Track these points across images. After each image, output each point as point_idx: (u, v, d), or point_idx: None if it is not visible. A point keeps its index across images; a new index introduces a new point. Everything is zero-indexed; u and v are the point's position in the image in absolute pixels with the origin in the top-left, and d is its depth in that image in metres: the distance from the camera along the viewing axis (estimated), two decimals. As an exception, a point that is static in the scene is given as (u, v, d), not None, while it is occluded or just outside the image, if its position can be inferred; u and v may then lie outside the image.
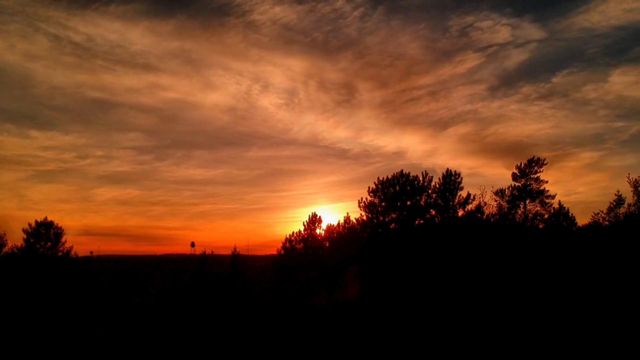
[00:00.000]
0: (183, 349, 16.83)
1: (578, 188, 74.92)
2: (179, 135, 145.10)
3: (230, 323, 20.43)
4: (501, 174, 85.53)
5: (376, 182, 27.59)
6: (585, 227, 26.91)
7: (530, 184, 27.02)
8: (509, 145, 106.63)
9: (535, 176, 27.01)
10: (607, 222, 25.62)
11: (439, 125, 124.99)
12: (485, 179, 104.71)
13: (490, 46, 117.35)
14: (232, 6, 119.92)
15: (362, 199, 27.76)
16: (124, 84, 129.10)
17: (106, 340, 18.04)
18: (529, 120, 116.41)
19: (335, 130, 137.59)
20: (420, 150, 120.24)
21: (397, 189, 26.98)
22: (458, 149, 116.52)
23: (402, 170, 27.38)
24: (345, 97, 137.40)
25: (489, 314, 16.36)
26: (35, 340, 17.62)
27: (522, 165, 27.36)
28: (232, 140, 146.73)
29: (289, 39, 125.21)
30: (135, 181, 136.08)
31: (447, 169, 27.02)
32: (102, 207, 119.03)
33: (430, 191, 27.00)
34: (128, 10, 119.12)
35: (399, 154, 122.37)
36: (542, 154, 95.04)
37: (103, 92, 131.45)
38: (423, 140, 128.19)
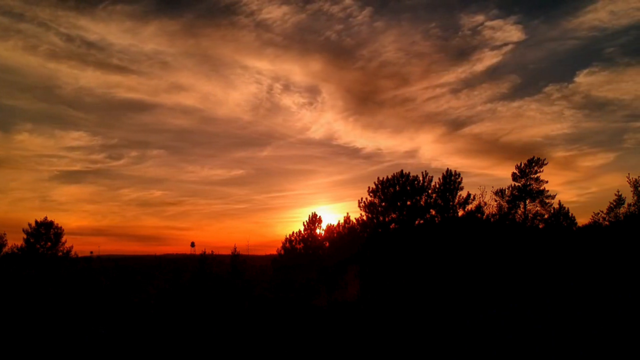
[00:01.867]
0: (183, 349, 16.83)
1: (556, 188, 74.74)
2: (201, 136, 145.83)
3: (230, 323, 20.42)
4: (484, 174, 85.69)
5: (376, 182, 27.60)
6: (585, 227, 26.92)
7: (530, 184, 27.02)
8: (523, 146, 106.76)
9: (535, 176, 27.02)
10: (607, 222, 25.62)
11: (455, 124, 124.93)
12: (469, 178, 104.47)
13: (466, 49, 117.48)
14: (219, 7, 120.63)
15: (362, 199, 27.79)
16: (148, 84, 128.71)
17: (106, 340, 18.04)
18: (501, 121, 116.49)
19: (352, 129, 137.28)
20: (433, 150, 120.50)
21: (397, 189, 26.98)
22: (471, 148, 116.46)
23: (402, 170, 27.41)
24: (366, 95, 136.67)
25: (489, 314, 16.36)
26: (36, 341, 17.62)
27: (522, 165, 27.38)
28: (244, 140, 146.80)
29: (302, 37, 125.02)
30: (160, 182, 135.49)
31: (447, 168, 27.07)
32: (124, 207, 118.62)
33: (430, 191, 27.01)
34: (114, 11, 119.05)
35: (410, 153, 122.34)
36: (558, 154, 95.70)
37: (132, 92, 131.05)
38: (436, 139, 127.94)
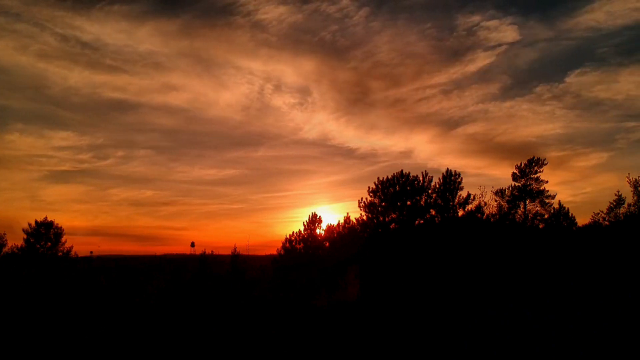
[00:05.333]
0: (183, 348, 16.82)
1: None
2: (190, 135, 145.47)
3: (231, 323, 20.42)
4: (481, 174, 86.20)
5: (376, 182, 27.60)
6: (585, 227, 26.90)
7: (530, 184, 27.01)
8: (517, 146, 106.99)
9: (535, 176, 27.01)
10: (607, 222, 25.60)
11: (449, 124, 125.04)
12: (465, 178, 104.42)
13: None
14: (217, 8, 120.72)
15: (362, 199, 27.78)
16: (138, 84, 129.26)
17: (106, 340, 18.03)
18: (493, 121, 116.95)
19: (345, 129, 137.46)
20: (428, 150, 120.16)
21: (397, 189, 26.97)
22: (466, 149, 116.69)
23: (402, 170, 27.41)
24: (357, 96, 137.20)
25: (489, 314, 16.35)
26: (36, 340, 17.62)
27: (522, 165, 27.36)
28: (236, 140, 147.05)
29: (297, 38, 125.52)
30: (150, 181, 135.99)
31: (447, 168, 27.06)
32: (115, 207, 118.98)
33: (430, 191, 27.00)
34: (110, 12, 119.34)
35: (405, 154, 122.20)
36: (552, 154, 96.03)
37: (119, 92, 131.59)
38: (430, 139, 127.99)
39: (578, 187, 74.89)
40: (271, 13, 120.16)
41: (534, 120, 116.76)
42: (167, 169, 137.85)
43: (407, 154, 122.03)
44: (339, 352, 14.99)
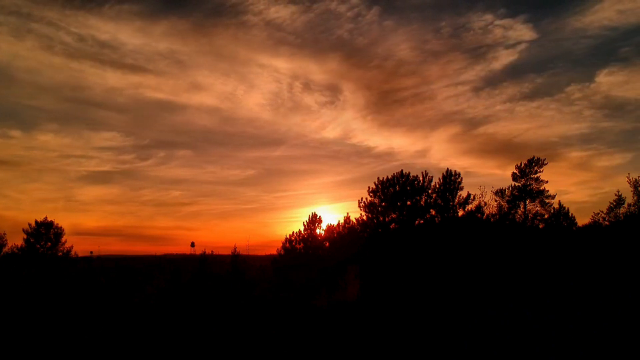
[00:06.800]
0: (183, 349, 16.83)
1: (568, 188, 75.22)
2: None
3: (230, 323, 20.43)
4: (493, 174, 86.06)
5: (376, 182, 27.61)
6: (585, 227, 26.91)
7: (530, 184, 27.02)
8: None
9: (535, 176, 27.02)
10: (607, 222, 25.61)
11: (472, 123, 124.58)
12: (478, 178, 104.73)
13: (480, 47, 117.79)
14: (226, 7, 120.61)
15: (362, 199, 27.81)
16: (168, 84, 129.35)
17: (106, 340, 18.04)
18: (517, 121, 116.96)
19: (369, 128, 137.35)
20: (444, 149, 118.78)
21: (397, 189, 26.99)
22: (483, 148, 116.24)
23: (402, 170, 27.44)
24: (383, 94, 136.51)
25: (488, 314, 16.36)
26: (36, 340, 17.63)
27: (522, 165, 27.36)
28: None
29: (315, 37, 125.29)
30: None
31: (447, 169, 27.07)
32: (140, 207, 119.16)
33: (430, 191, 27.02)
34: (122, 10, 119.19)
35: (421, 152, 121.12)
36: (573, 154, 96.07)
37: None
38: (450, 138, 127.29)
39: (596, 187, 74.44)
40: (282, 12, 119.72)
41: (559, 120, 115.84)
42: (200, 169, 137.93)
43: (423, 152, 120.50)
44: (339, 352, 15.00)
